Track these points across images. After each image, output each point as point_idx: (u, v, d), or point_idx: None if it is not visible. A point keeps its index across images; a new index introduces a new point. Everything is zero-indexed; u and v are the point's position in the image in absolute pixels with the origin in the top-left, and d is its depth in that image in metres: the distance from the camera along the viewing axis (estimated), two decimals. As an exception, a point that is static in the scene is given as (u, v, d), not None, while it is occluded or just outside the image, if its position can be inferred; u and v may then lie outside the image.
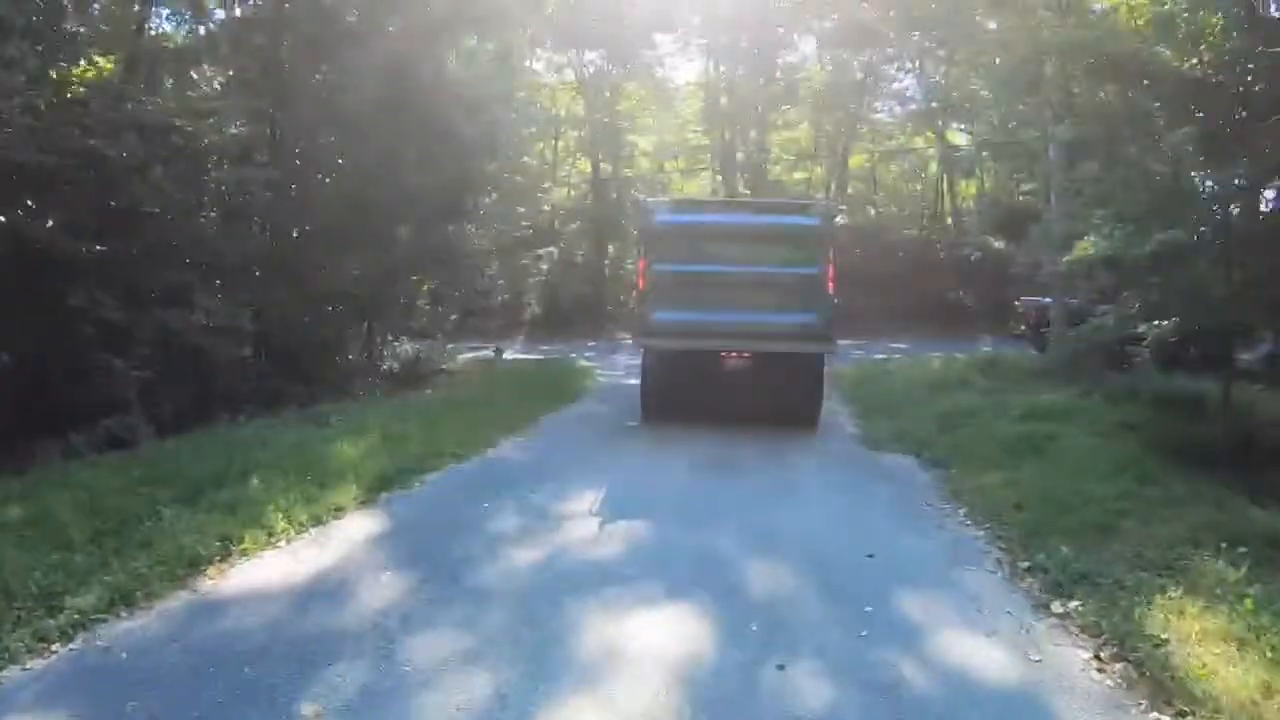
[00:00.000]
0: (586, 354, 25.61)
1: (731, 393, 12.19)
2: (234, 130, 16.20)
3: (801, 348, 11.70)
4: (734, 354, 11.75)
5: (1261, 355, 18.81)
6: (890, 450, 11.17)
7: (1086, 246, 12.57)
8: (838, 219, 15.32)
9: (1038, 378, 17.51)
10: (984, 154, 35.75)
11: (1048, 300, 24.44)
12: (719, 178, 37.90)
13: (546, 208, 37.82)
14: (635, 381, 17.46)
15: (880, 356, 22.76)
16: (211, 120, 15.27)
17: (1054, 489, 7.92)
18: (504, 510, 7.77)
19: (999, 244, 36.47)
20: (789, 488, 9.04)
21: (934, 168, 38.75)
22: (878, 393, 16.10)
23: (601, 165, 37.28)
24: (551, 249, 36.28)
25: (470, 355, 23.76)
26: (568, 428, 12.56)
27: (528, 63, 35.45)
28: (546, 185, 37.91)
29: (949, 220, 37.33)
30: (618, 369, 21.08)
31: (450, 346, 23.27)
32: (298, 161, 17.29)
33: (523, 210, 36.60)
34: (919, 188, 40.22)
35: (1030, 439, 10.37)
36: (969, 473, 9.33)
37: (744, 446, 11.05)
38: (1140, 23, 14.39)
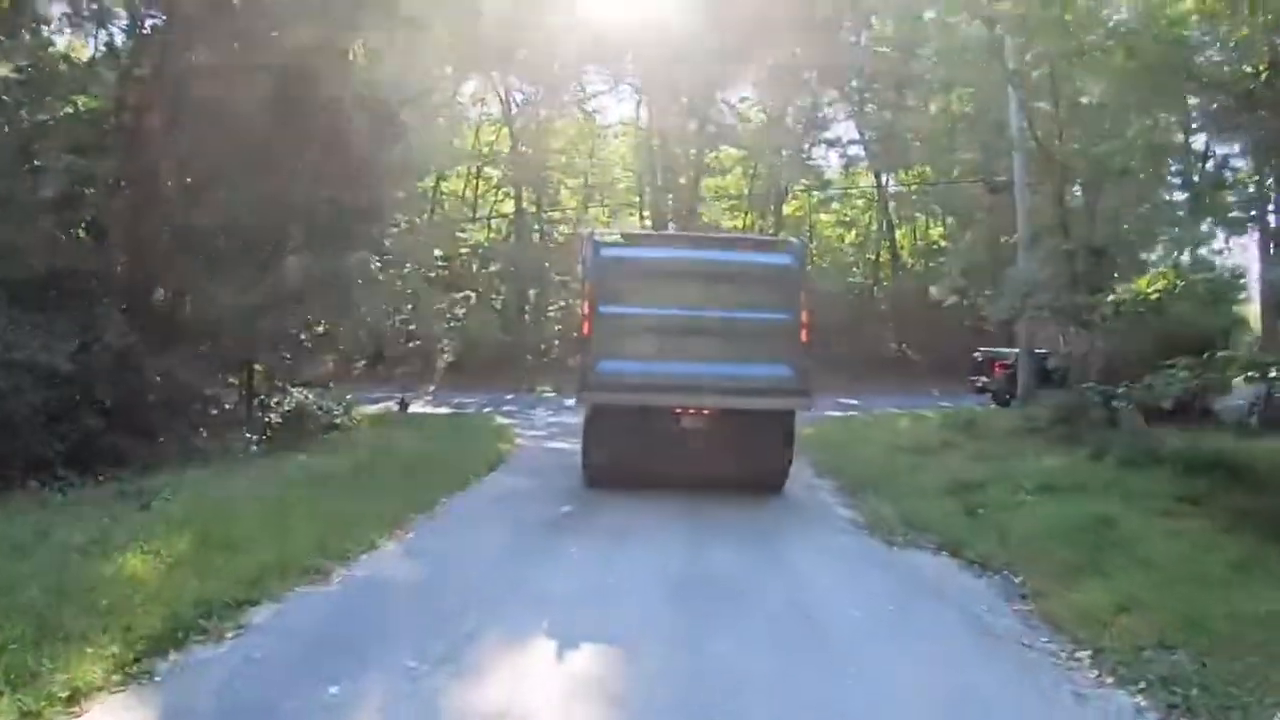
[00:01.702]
0: (505, 408, 22.39)
1: (687, 454, 10.26)
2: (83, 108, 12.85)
3: (772, 404, 9.98)
4: (692, 410, 9.96)
5: (1235, 406, 17.08)
6: (912, 544, 8.50)
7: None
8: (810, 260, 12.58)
9: (1024, 438, 15.62)
10: (928, 203, 34.13)
11: (1011, 352, 22.31)
12: (648, 222, 35.21)
13: (464, 250, 34.51)
14: (561, 445, 14.76)
15: (835, 414, 19.98)
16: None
17: (1189, 610, 5.80)
18: (363, 703, 4.46)
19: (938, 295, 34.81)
20: (814, 629, 5.97)
21: (871, 218, 36.75)
22: (855, 460, 13.35)
23: (525, 205, 34.19)
24: (469, 293, 32.94)
25: (374, 407, 20.33)
26: (480, 517, 9.24)
27: (452, 94, 32.57)
28: (465, 225, 34.65)
29: (888, 271, 35.18)
30: (540, 428, 17.97)
31: (349, 397, 19.84)
32: (160, 160, 13.84)
33: (439, 253, 33.32)
34: (855, 236, 38.07)
35: (1087, 526, 8.26)
36: (1048, 584, 6.80)
37: (721, 543, 8.18)
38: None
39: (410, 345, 32.54)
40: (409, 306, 32.02)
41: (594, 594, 6.35)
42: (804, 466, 12.94)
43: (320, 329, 18.12)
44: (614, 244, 10.56)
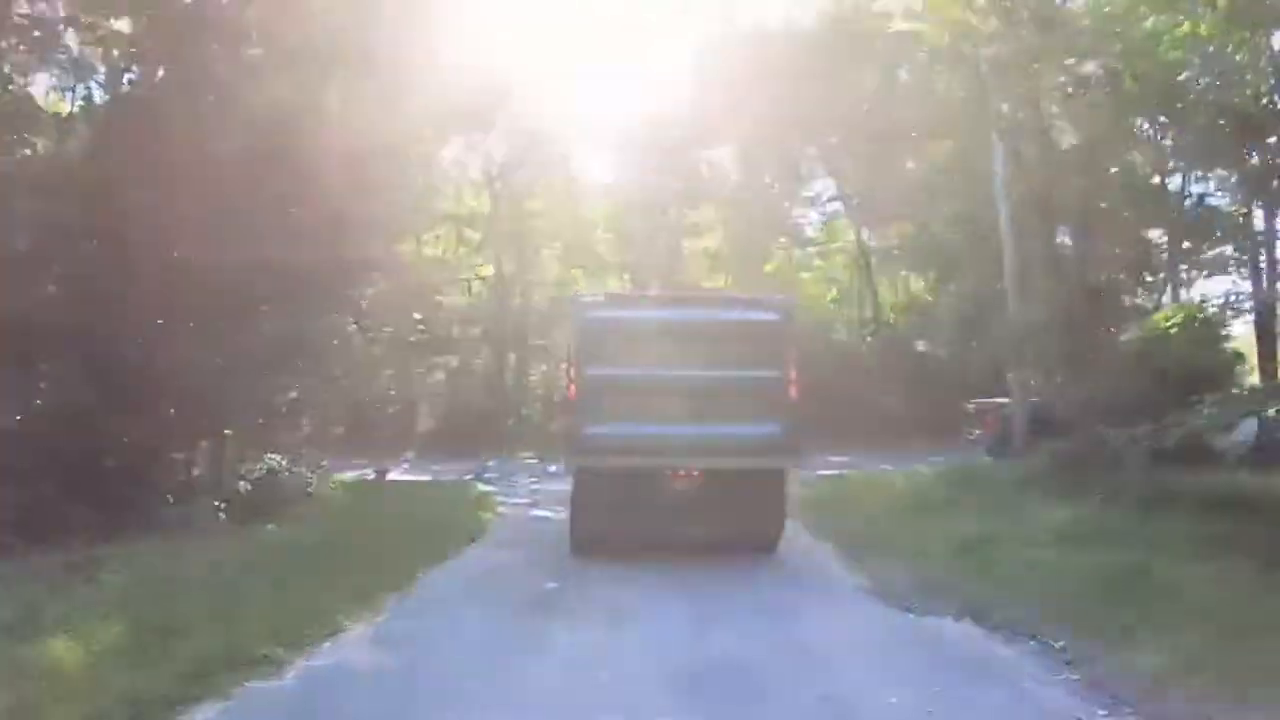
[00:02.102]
0: (486, 475, 21.47)
1: (677, 517, 9.81)
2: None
3: (763, 463, 9.77)
4: (681, 472, 9.69)
5: (1236, 442, 16.53)
6: (931, 611, 7.71)
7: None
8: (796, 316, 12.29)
9: (1027, 489, 14.86)
10: (910, 257, 33.86)
11: (1004, 401, 21.72)
12: (629, 283, 34.77)
13: (444, 313, 33.84)
14: (545, 513, 13.95)
15: (825, 473, 19.25)
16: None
17: (1265, 662, 5.26)
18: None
19: (923, 347, 34.39)
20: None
21: (851, 275, 36.44)
22: (854, 520, 12.63)
23: (505, 267, 33.69)
24: (449, 357, 32.25)
25: (351, 474, 19.47)
26: (459, 596, 8.38)
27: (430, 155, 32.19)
28: (444, 288, 34.01)
29: (871, 325, 34.77)
30: (522, 495, 17.17)
31: (323, 464, 19.00)
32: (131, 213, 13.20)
33: (418, 317, 32.64)
34: (836, 293, 37.74)
35: (1119, 578, 7.71)
36: (1091, 647, 6.15)
37: (725, 623, 7.38)
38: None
39: (389, 411, 31.77)
40: (388, 371, 31.36)
41: (587, 694, 5.51)
42: (800, 530, 12.24)
43: (294, 394, 17.42)
44: (599, 305, 10.37)
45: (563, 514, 12.00)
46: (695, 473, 9.70)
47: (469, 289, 35.07)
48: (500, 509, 14.87)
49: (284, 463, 16.98)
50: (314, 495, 16.24)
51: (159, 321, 12.96)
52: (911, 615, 7.70)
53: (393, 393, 31.26)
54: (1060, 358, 16.16)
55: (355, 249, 16.19)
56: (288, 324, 15.15)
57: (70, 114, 14.42)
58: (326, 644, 6.36)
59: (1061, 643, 6.40)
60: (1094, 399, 15.22)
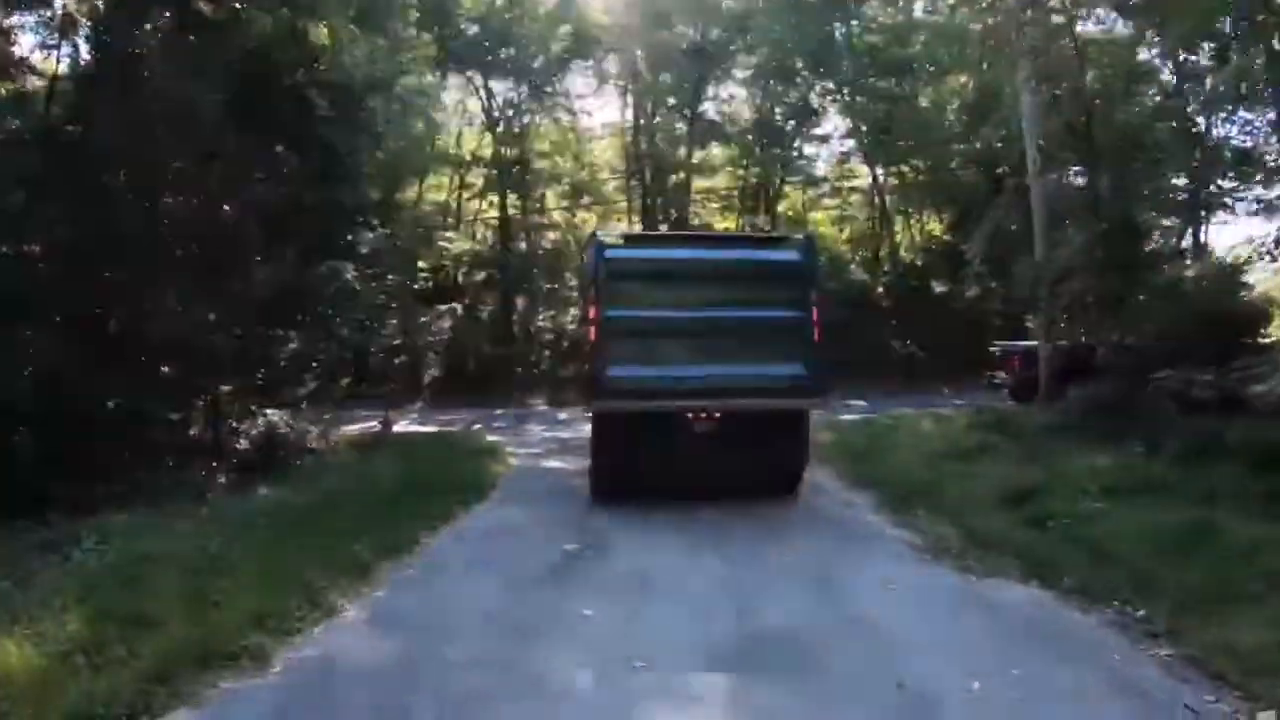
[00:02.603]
0: (495, 424, 20.74)
1: (700, 460, 9.68)
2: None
3: (787, 404, 9.57)
4: (704, 414, 9.39)
5: (1268, 392, 15.77)
6: (993, 573, 7.06)
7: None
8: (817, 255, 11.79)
9: (1062, 435, 14.16)
10: (927, 197, 32.71)
11: (1030, 345, 20.85)
12: (638, 225, 33.66)
13: (447, 261, 32.86)
14: (559, 464, 13.27)
15: (848, 418, 18.45)
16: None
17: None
18: None
19: (941, 288, 33.38)
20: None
21: (867, 215, 35.29)
22: (888, 469, 11.85)
23: (510, 211, 32.58)
24: (455, 304, 31.31)
25: (356, 428, 18.71)
26: (468, 563, 7.56)
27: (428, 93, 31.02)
28: (449, 234, 33.01)
29: (887, 267, 33.70)
30: (533, 444, 16.40)
31: (326, 418, 18.25)
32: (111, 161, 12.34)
33: (423, 265, 31.68)
34: (850, 232, 36.57)
35: (1186, 537, 7.10)
36: (1181, 619, 5.47)
37: (767, 588, 6.73)
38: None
39: (396, 361, 30.92)
40: (393, 320, 30.46)
41: (619, 679, 4.77)
42: (832, 479, 11.51)
43: (293, 345, 16.61)
44: (618, 246, 9.94)
45: (577, 464, 11.39)
46: (716, 415, 9.42)
47: (473, 234, 34.06)
48: (511, 460, 14.13)
49: (286, 419, 16.25)
50: (316, 452, 15.53)
51: (145, 274, 12.12)
52: (971, 578, 6.99)
53: (399, 342, 30.38)
54: (1093, 300, 15.25)
55: (352, 191, 15.33)
56: (281, 273, 14.33)
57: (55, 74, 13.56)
58: (317, 629, 5.63)
59: (1142, 611, 5.73)
60: (1129, 344, 14.33)
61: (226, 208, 12.42)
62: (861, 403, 22.41)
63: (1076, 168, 18.12)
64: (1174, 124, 17.40)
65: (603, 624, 5.81)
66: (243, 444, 14.98)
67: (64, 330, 11.57)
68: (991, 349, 22.15)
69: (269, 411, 16.17)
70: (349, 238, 16.51)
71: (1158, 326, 14.25)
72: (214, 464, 13.83)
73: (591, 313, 9.63)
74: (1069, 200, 17.48)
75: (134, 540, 7.48)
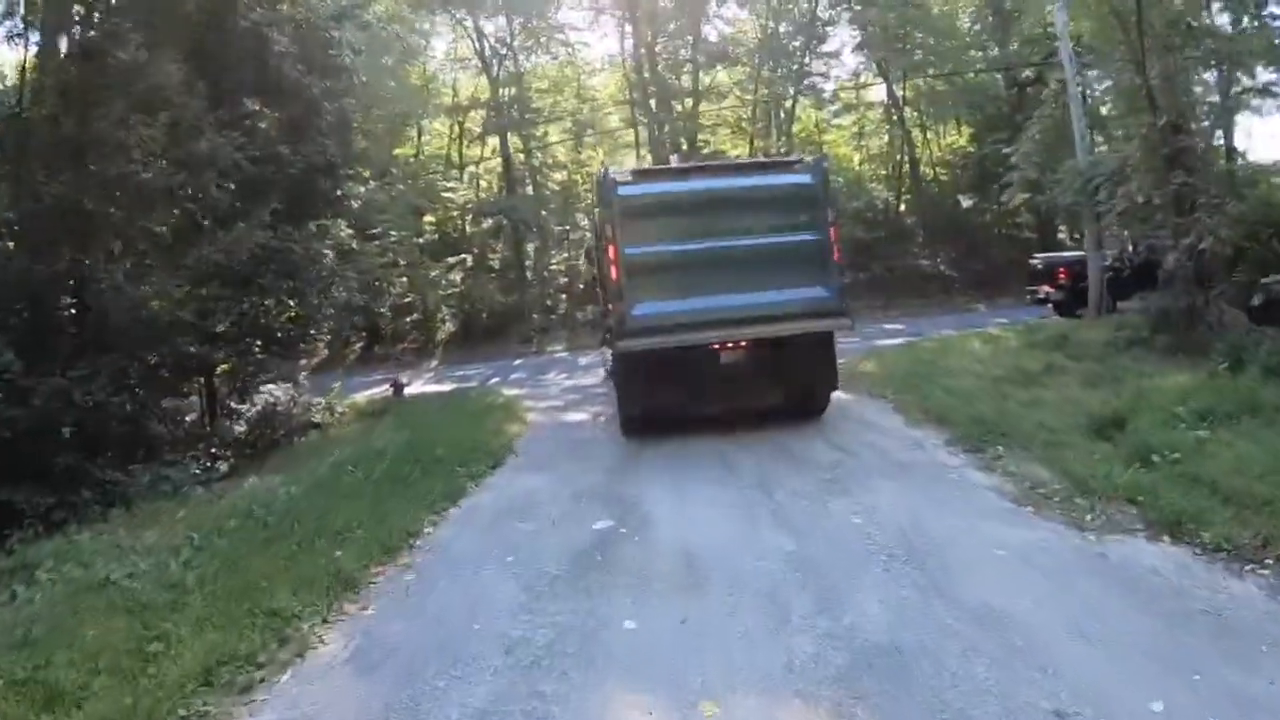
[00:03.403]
0: (513, 375, 19.41)
1: (728, 390, 9.51)
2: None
3: (812, 327, 9.34)
4: (730, 344, 9.27)
5: None
6: (1111, 525, 5.80)
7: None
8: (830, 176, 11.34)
9: (1128, 351, 12.84)
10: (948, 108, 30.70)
11: (1077, 255, 19.23)
12: (647, 158, 31.89)
13: (454, 212, 31.32)
14: (581, 416, 12.05)
15: (887, 343, 16.97)
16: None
17: None
18: None
19: (969, 202, 31.62)
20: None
21: (885, 130, 33.28)
22: (950, 398, 10.33)
23: (513, 153, 30.87)
24: (464, 256, 29.84)
25: (369, 394, 17.51)
26: (478, 558, 6.12)
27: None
28: (452, 184, 31.42)
29: (909, 183, 31.83)
30: (554, 396, 15.05)
31: (336, 386, 17.04)
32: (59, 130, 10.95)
33: (430, 219, 30.18)
34: (868, 150, 34.62)
35: None
36: None
37: (860, 579, 5.22)
38: None
39: (408, 320, 29.66)
40: (402, 278, 29.13)
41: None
42: (890, 414, 10.12)
43: (291, 313, 15.28)
44: (629, 182, 9.57)
45: (600, 415, 11.03)
46: (744, 344, 9.30)
47: (478, 182, 32.44)
48: (529, 416, 12.74)
49: (289, 392, 15.04)
50: (321, 425, 14.29)
51: (96, 250, 10.76)
52: (1090, 536, 5.63)
53: (409, 300, 29.07)
54: (1158, 202, 13.55)
55: (330, 139, 13.82)
56: (255, 236, 12.91)
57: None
58: (284, 676, 4.33)
59: None
60: (1202, 248, 12.69)
61: (185, 172, 10.90)
62: (898, 325, 20.94)
63: (1118, 63, 16.27)
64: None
65: (650, 641, 4.49)
66: (241, 427, 13.82)
67: (25, 320, 10.28)
68: (1032, 261, 20.48)
69: (270, 388, 14.99)
70: (338, 193, 15.03)
71: (1227, 230, 12.56)
72: (212, 451, 12.71)
73: (610, 252, 9.30)
74: (1120, 96, 15.68)
75: (91, 564, 6.26)
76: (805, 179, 9.71)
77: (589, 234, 16.10)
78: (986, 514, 6.16)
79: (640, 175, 10.48)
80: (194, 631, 4.64)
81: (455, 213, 31.52)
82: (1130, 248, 18.21)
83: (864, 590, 4.84)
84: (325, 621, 4.95)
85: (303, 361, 16.76)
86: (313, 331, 14.82)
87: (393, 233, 27.38)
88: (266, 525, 7.04)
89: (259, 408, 13.97)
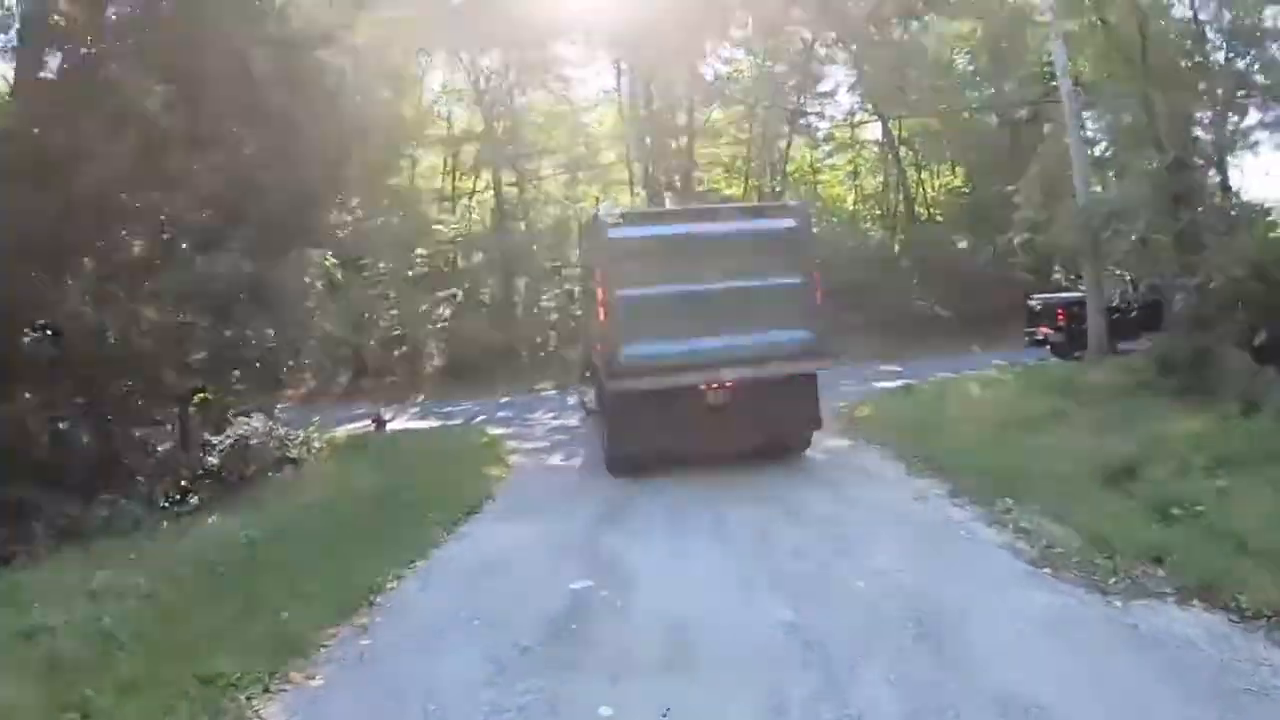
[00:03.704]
0: (500, 414, 18.79)
1: (713, 430, 9.55)
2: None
3: (795, 368, 9.65)
4: (716, 385, 9.47)
5: None
6: (1136, 589, 5.36)
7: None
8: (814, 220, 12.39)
9: (1135, 395, 12.23)
10: (942, 148, 30.45)
11: (1076, 296, 18.78)
12: (640, 194, 31.54)
13: (445, 243, 30.81)
14: (565, 460, 11.47)
15: (886, 385, 16.48)
16: None
17: None
18: None
19: (964, 243, 31.27)
20: None
21: (879, 171, 33.02)
22: (953, 443, 9.90)
23: (505, 188, 30.47)
24: (454, 290, 29.30)
25: (349, 427, 16.91)
26: (442, 625, 5.47)
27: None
28: (443, 218, 30.99)
29: (905, 224, 31.51)
30: (540, 437, 14.47)
31: (315, 420, 16.43)
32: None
33: (422, 252, 29.69)
34: (861, 191, 34.33)
35: None
36: None
37: (875, 657, 4.72)
38: None
39: (395, 353, 29.07)
40: (391, 311, 28.61)
41: None
42: (891, 462, 9.58)
43: (271, 344, 14.73)
44: (619, 225, 9.75)
45: (580, 459, 9.95)
46: (729, 385, 9.45)
47: (470, 215, 32.02)
48: (512, 458, 12.20)
49: (267, 425, 14.44)
50: (297, 460, 13.67)
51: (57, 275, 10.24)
52: (1115, 602, 5.10)
53: (398, 333, 28.51)
54: (1166, 240, 13.17)
55: (316, 166, 13.33)
56: (232, 264, 12.40)
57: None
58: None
59: None
60: (1211, 287, 12.26)
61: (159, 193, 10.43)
62: (894, 368, 20.44)
63: (1121, 99, 15.98)
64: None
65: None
66: (211, 459, 13.21)
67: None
68: (1030, 303, 20.04)
69: (251, 418, 14.41)
70: (323, 222, 14.52)
71: (1240, 269, 12.15)
72: (183, 485, 12.12)
73: (600, 294, 9.44)
74: (1122, 133, 15.35)
75: (25, 609, 5.64)
76: (789, 223, 9.98)
77: (581, 271, 16.02)
78: (1002, 578, 5.61)
79: (629, 218, 10.44)
80: (117, 699, 4.07)
81: (446, 246, 31.02)
82: (1131, 288, 17.82)
83: (873, 672, 4.28)
84: (267, 691, 4.39)
85: (289, 392, 16.21)
86: (292, 363, 14.19)
87: (381, 265, 26.91)
88: (220, 573, 6.46)
89: (233, 440, 13.36)
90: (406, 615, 5.58)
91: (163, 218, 11.18)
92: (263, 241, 13.21)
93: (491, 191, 30.96)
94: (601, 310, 9.42)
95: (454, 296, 28.95)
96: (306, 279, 14.00)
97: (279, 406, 15.64)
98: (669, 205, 29.73)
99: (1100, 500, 7.12)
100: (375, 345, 29.16)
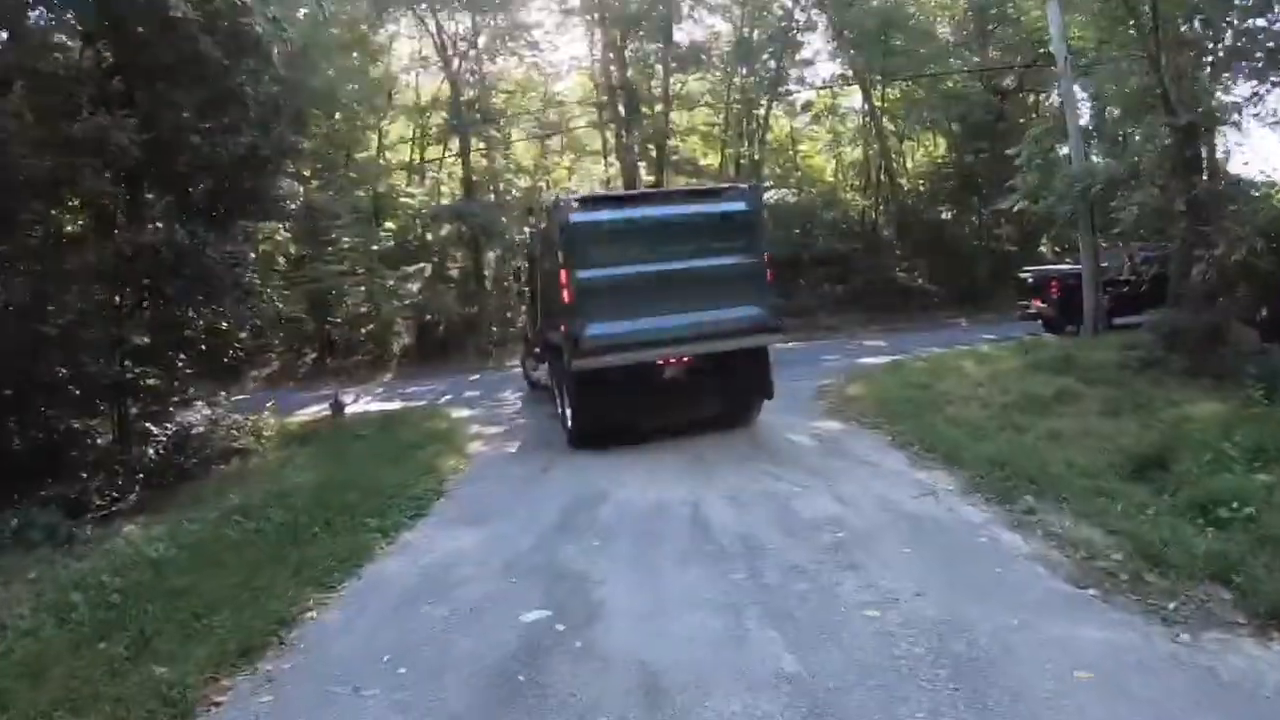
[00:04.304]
0: (468, 393, 17.70)
1: (671, 403, 10.09)
2: None
3: (749, 343, 9.95)
4: (674, 360, 9.76)
5: None
6: (1202, 618, 4.42)
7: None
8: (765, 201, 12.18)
9: (1140, 375, 11.40)
10: (926, 116, 29.42)
11: (1072, 268, 17.86)
12: (614, 165, 30.37)
13: (414, 216, 29.47)
14: (528, 451, 10.42)
15: (871, 361, 15.52)
16: None
17: None
18: None
19: (948, 214, 30.42)
20: None
21: (861, 140, 31.94)
22: (953, 429, 8.96)
23: (475, 157, 29.17)
24: (423, 265, 28.03)
25: (310, 411, 15.87)
26: (361, 673, 4.35)
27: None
28: (411, 189, 29.67)
29: (887, 194, 30.50)
30: (503, 419, 13.40)
31: (270, 405, 15.35)
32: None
33: (391, 227, 28.40)
34: (842, 161, 33.27)
35: None
36: None
37: (878, 700, 3.75)
38: None
39: (362, 331, 27.86)
40: (359, 288, 27.35)
41: None
42: (890, 450, 8.60)
43: (222, 325, 13.59)
44: (578, 209, 9.89)
45: (548, 452, 10.01)
46: (686, 360, 9.77)
47: (437, 187, 30.69)
48: (473, 445, 11.09)
49: (216, 413, 13.37)
50: (245, 450, 12.58)
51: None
52: (1183, 636, 4.14)
53: (364, 310, 27.28)
54: (1178, 209, 12.21)
55: (260, 137, 12.16)
56: (175, 236, 11.26)
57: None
58: None
59: None
60: (1224, 261, 11.34)
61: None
62: (880, 342, 19.51)
63: (1124, 60, 14.96)
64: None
65: None
66: (150, 453, 12.08)
67: None
68: (1022, 274, 19.11)
69: (200, 406, 13.31)
70: (271, 192, 13.28)
71: (1260, 239, 11.22)
72: (118, 483, 11.06)
73: (563, 276, 9.50)
74: (1124, 98, 14.34)
75: None
76: (741, 205, 10.14)
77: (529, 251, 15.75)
78: (1042, 603, 4.61)
79: (588, 202, 10.53)
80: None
81: (415, 218, 29.70)
82: (1128, 260, 16.94)
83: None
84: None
85: (254, 374, 15.10)
86: (237, 345, 13.03)
87: (345, 239, 25.61)
88: (112, 604, 5.39)
89: (172, 433, 12.23)
90: (320, 658, 4.49)
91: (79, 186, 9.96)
92: (200, 212, 12.07)
93: (459, 161, 29.60)
94: (565, 292, 9.48)
95: (422, 271, 27.69)
96: (252, 254, 12.85)
97: (238, 392, 14.61)
98: (642, 175, 28.64)
99: (1132, 497, 6.17)
100: (342, 323, 27.96)
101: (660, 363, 9.67)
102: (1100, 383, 10.89)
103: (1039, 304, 17.79)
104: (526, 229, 22.48)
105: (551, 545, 6.16)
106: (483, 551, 6.17)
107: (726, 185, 12.45)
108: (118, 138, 9.14)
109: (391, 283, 27.35)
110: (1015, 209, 16.44)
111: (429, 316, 27.18)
